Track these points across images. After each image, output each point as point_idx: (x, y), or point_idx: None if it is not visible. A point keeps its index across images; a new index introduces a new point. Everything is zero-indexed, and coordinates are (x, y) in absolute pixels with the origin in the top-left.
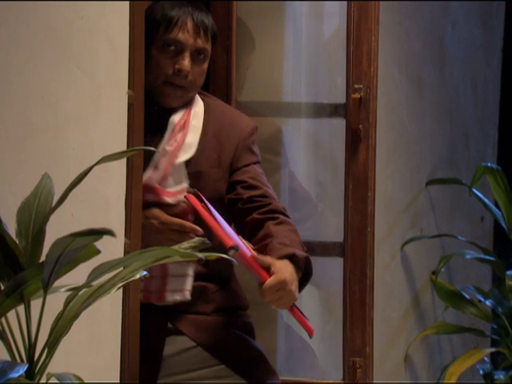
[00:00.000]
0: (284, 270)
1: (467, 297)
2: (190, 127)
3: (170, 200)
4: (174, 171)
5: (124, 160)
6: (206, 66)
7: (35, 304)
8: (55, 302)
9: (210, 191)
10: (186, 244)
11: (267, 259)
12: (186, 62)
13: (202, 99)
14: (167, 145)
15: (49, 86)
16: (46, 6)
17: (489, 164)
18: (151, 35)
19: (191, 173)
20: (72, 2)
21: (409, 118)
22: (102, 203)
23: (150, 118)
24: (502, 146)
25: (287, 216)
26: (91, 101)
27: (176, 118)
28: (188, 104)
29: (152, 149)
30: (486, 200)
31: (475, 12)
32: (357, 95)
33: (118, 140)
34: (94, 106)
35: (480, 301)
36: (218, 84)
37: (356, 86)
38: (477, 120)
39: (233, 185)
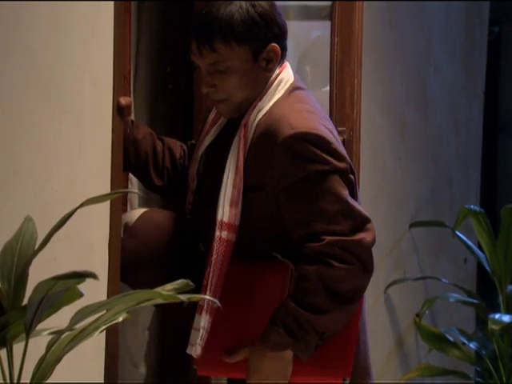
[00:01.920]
0: (257, 367)
1: (451, 339)
2: (233, 146)
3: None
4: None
5: (107, 202)
6: (237, 74)
7: (17, 347)
8: (38, 345)
9: (258, 218)
10: (168, 286)
11: (242, 353)
12: (204, 84)
13: (280, 97)
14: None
15: (33, 128)
16: (31, 48)
17: (472, 206)
18: None
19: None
20: (57, 44)
21: (392, 160)
22: (86, 246)
23: (228, 125)
24: (485, 188)
25: (318, 256)
26: (75, 143)
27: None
28: (248, 110)
29: (136, 191)
30: (470, 242)
31: (457, 56)
32: (340, 138)
33: (102, 183)
34: (77, 148)
35: (464, 343)
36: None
37: (339, 128)
38: (459, 162)
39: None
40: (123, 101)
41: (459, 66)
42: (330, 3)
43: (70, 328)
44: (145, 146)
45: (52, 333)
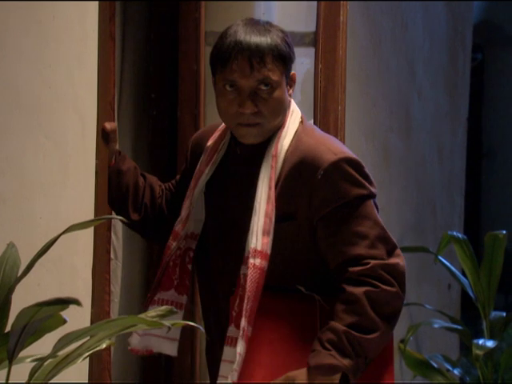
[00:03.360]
0: None
1: (435, 365)
2: (263, 176)
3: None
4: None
5: (91, 229)
6: (278, 93)
7: (0, 374)
8: (20, 372)
9: (285, 249)
10: (152, 312)
11: (285, 379)
12: (247, 105)
13: (298, 128)
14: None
15: (16, 154)
16: (15, 75)
17: (454, 233)
18: (213, 70)
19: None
20: (40, 72)
21: (376, 186)
22: (69, 272)
23: (236, 155)
24: (469, 213)
25: (364, 279)
26: (59, 170)
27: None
28: (273, 138)
29: (120, 218)
30: (453, 268)
31: (441, 82)
32: None
33: (86, 209)
34: (61, 175)
35: (448, 369)
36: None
37: None
38: (443, 188)
39: (317, 240)
40: (108, 126)
41: (443, 92)
42: (313, 30)
43: (52, 355)
44: (128, 178)
45: (35, 360)
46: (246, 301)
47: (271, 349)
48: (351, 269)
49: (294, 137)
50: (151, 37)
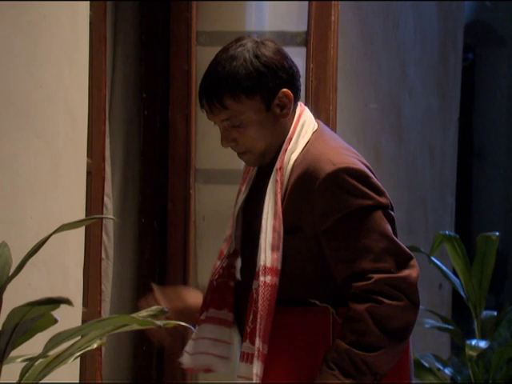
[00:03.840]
0: None
1: (426, 365)
2: (269, 190)
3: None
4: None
5: (82, 228)
6: (250, 130)
7: None
8: (11, 372)
9: (295, 262)
10: (144, 312)
11: None
12: (223, 142)
13: (310, 138)
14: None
15: (7, 154)
16: (6, 74)
17: (447, 232)
18: None
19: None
20: (31, 71)
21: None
22: (60, 272)
23: (259, 171)
24: (460, 213)
25: (367, 295)
26: (50, 169)
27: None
28: (277, 156)
29: (111, 217)
30: (445, 268)
31: (432, 82)
32: None
33: (77, 208)
34: (52, 174)
35: (439, 369)
36: (178, 152)
37: None
38: (434, 188)
39: (324, 253)
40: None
41: (434, 92)
42: (304, 29)
43: (43, 355)
44: None
45: (26, 360)
46: (258, 320)
47: (285, 364)
48: (355, 284)
49: (304, 148)
50: (142, 36)
